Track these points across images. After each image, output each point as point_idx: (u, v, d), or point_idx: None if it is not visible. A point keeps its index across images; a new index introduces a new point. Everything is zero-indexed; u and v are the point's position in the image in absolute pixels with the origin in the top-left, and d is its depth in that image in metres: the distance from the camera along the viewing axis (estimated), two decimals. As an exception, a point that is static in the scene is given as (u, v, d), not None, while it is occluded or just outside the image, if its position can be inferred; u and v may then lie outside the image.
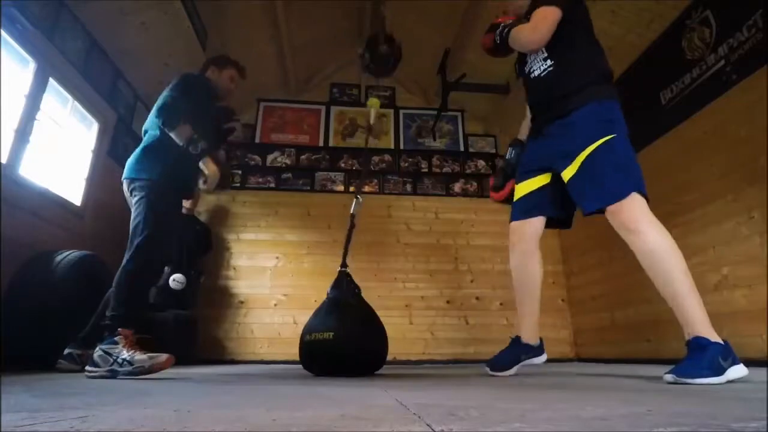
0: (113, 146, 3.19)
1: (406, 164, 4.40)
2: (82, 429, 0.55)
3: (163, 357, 1.62)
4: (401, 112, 4.63)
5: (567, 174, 1.54)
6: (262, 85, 4.36)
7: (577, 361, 3.71)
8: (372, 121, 2.57)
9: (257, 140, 4.31)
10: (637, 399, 0.93)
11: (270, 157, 4.25)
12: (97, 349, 1.65)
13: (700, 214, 2.50)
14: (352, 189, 4.22)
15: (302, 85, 4.54)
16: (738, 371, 1.24)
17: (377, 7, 3.54)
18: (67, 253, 2.28)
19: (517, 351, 1.79)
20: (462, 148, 4.53)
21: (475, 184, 4.35)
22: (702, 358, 1.25)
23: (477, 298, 3.92)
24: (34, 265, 2.17)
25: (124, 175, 1.96)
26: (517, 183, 1.78)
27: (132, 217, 1.88)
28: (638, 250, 1.47)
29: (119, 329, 1.68)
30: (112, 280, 1.88)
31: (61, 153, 2.74)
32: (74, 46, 2.70)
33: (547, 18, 1.56)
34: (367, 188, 4.25)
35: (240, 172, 4.14)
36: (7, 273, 2.09)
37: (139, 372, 1.58)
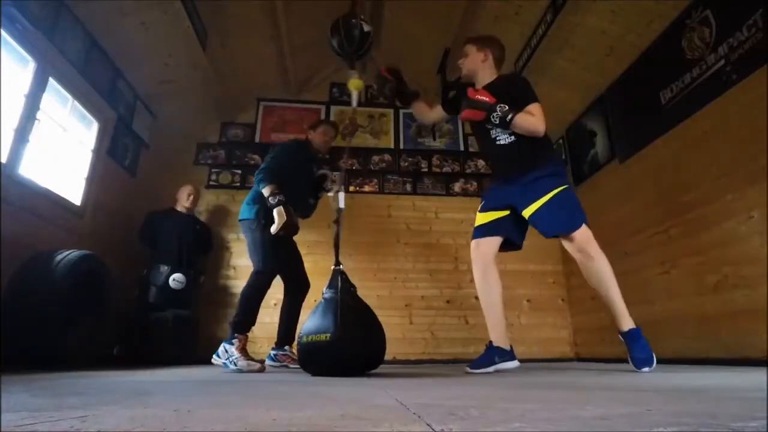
0: (113, 146, 3.19)
1: (406, 164, 4.40)
2: (81, 429, 0.55)
3: (256, 366, 2.22)
4: (401, 111, 4.63)
5: (528, 212, 2.01)
6: (262, 85, 4.36)
7: (577, 361, 3.71)
8: (354, 104, 2.53)
9: (257, 140, 4.31)
10: (637, 399, 0.93)
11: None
12: (223, 344, 2.29)
13: (700, 214, 2.50)
14: (352, 189, 4.22)
15: (302, 85, 4.54)
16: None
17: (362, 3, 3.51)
18: (67, 253, 2.27)
19: (491, 354, 2.08)
20: (462, 148, 4.53)
21: (475, 183, 4.34)
22: (642, 345, 1.83)
23: (477, 298, 3.90)
24: (34, 265, 2.17)
25: (240, 217, 2.65)
26: (480, 212, 2.21)
27: (249, 249, 2.56)
28: (588, 269, 1.98)
29: (236, 334, 2.30)
30: (112, 280, 1.95)
31: (61, 153, 2.74)
32: (74, 46, 2.70)
33: (541, 112, 2.00)
34: (367, 188, 4.25)
35: (240, 172, 4.14)
36: (7, 273, 2.08)
37: (238, 371, 2.16)
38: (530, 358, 3.70)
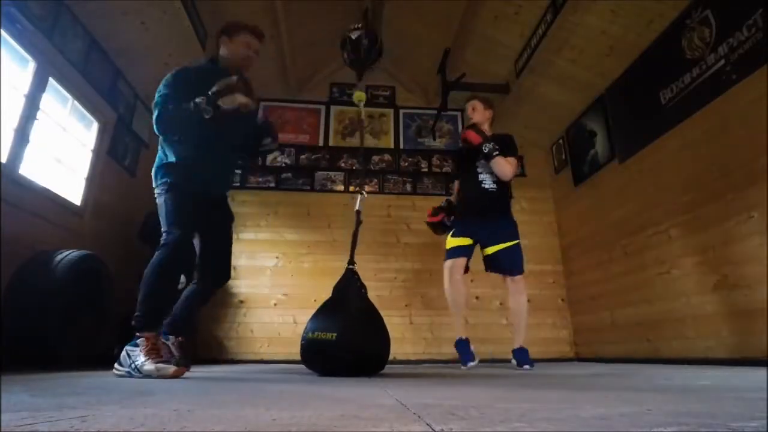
0: (113, 146, 3.19)
1: (406, 164, 4.40)
2: (81, 429, 0.55)
3: (170, 369, 1.62)
4: (401, 111, 4.63)
5: (490, 250, 2.61)
6: (262, 85, 4.35)
7: (576, 361, 3.71)
8: (362, 116, 2.58)
9: (257, 140, 4.31)
10: (636, 398, 0.93)
11: (270, 157, 4.24)
12: (125, 349, 1.71)
13: (700, 214, 2.50)
14: (351, 189, 4.22)
15: (302, 85, 4.54)
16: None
17: (375, 5, 3.54)
18: (67, 252, 2.28)
19: (469, 347, 2.58)
20: (462, 148, 4.53)
21: (475, 183, 4.34)
22: (527, 355, 2.50)
23: (477, 298, 3.92)
24: (34, 265, 2.17)
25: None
26: (453, 236, 2.68)
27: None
28: (517, 301, 2.58)
29: (138, 333, 1.71)
30: (112, 280, 1.85)
31: (61, 153, 2.74)
32: (74, 46, 2.70)
33: (517, 166, 2.68)
34: (367, 188, 4.24)
35: (240, 172, 4.14)
36: (7, 273, 2.09)
37: (147, 377, 1.61)
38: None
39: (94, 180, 2.98)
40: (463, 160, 2.83)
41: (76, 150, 2.90)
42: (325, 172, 4.26)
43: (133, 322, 1.73)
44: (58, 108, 2.69)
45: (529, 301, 3.92)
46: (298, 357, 1.95)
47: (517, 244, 2.61)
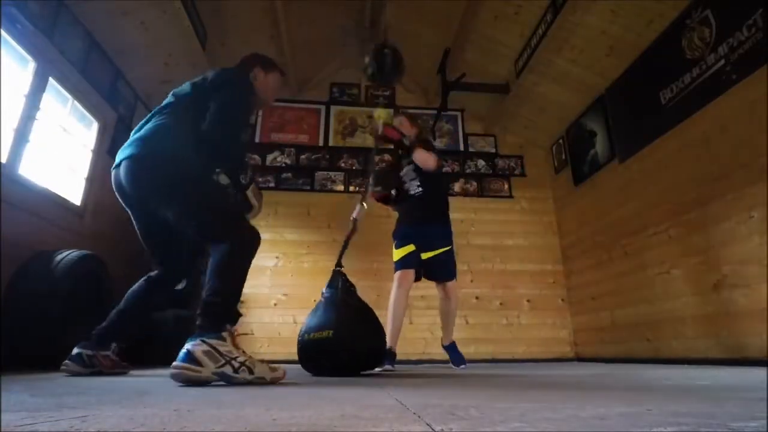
0: (113, 146, 3.19)
1: (406, 164, 4.39)
2: (81, 429, 0.55)
3: (282, 371, 1.45)
4: (401, 111, 4.63)
5: (426, 255, 2.56)
6: (262, 85, 4.36)
7: (576, 361, 3.71)
8: (380, 132, 2.61)
9: (257, 140, 4.31)
10: (636, 398, 0.93)
11: (270, 157, 4.25)
12: (199, 341, 1.27)
13: (700, 214, 2.50)
14: (352, 189, 4.22)
15: (302, 85, 4.54)
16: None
17: (380, 10, 3.55)
18: (67, 252, 2.28)
19: (391, 358, 2.38)
20: (462, 148, 4.53)
21: (474, 183, 4.35)
22: (458, 354, 2.71)
23: (477, 298, 3.92)
24: (34, 265, 2.17)
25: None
26: (397, 248, 2.61)
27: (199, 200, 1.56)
28: (448, 306, 2.66)
29: (227, 325, 1.38)
30: (112, 280, 1.81)
31: (61, 153, 2.73)
32: (74, 46, 2.70)
33: (439, 162, 2.69)
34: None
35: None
36: (7, 273, 2.08)
37: (257, 383, 1.31)
38: (530, 358, 3.70)
39: (94, 180, 2.98)
40: (398, 171, 2.81)
41: (76, 150, 2.90)
42: (325, 172, 4.26)
43: (218, 310, 1.38)
44: (58, 108, 2.69)
45: (528, 301, 3.98)
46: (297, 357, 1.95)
47: (450, 249, 2.60)
